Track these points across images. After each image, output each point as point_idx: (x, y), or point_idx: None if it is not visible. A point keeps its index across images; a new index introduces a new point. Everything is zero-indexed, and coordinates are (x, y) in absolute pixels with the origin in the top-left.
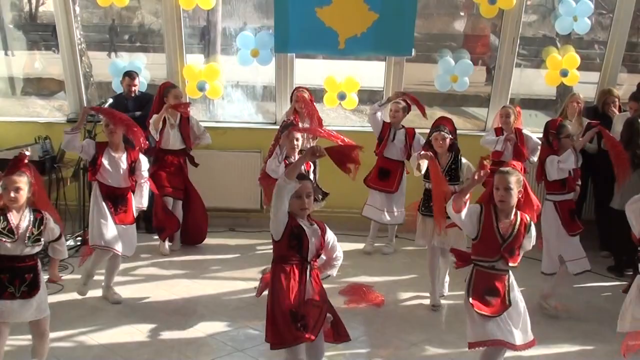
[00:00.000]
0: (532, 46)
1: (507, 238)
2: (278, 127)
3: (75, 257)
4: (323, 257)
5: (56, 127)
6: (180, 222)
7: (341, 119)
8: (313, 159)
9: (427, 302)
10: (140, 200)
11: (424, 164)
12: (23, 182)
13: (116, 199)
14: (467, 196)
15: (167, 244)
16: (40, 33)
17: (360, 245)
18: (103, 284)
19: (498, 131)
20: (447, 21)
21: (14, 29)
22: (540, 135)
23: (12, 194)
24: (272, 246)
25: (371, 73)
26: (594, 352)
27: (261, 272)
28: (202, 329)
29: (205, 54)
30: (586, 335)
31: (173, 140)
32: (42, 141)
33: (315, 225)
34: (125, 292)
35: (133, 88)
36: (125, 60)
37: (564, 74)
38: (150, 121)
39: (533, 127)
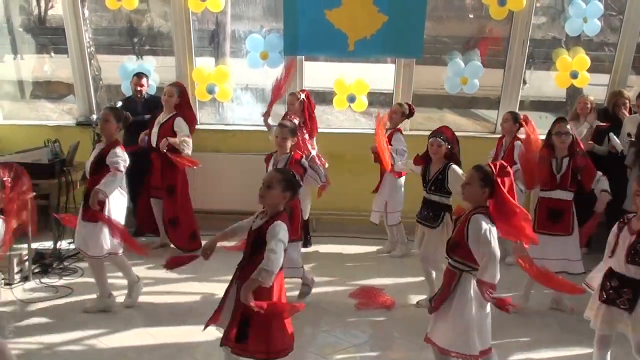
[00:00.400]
0: (541, 48)
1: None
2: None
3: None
4: None
5: (65, 130)
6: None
7: (350, 121)
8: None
9: None
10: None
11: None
12: None
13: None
14: None
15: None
16: (49, 36)
17: (370, 248)
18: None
19: (499, 140)
20: (457, 23)
21: (23, 32)
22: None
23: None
24: None
25: (381, 75)
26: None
27: None
28: (212, 332)
29: (215, 56)
30: None
31: (154, 138)
32: (52, 144)
33: (262, 221)
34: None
35: (139, 88)
36: (134, 62)
37: (574, 75)
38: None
39: (543, 130)
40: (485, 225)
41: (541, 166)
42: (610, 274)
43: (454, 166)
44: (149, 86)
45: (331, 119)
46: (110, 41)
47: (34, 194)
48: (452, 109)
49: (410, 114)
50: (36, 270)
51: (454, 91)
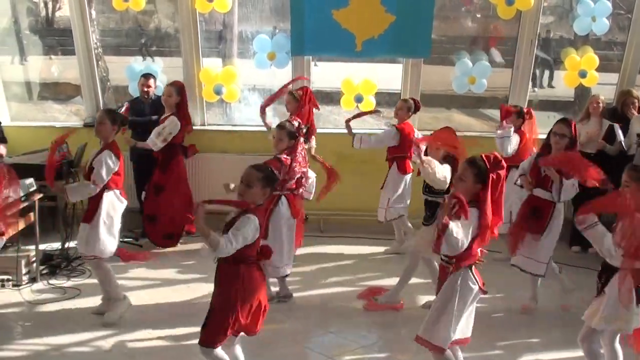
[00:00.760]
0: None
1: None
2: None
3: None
4: None
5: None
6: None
7: (358, 121)
8: None
9: None
10: None
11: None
12: None
13: None
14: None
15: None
16: (57, 38)
17: (378, 249)
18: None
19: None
20: (464, 23)
21: (31, 34)
22: None
23: None
24: None
25: (388, 75)
26: None
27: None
28: None
29: (222, 57)
30: None
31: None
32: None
33: (235, 214)
34: (143, 296)
35: (146, 89)
36: (141, 64)
37: (583, 75)
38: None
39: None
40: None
41: (535, 163)
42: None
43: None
44: (156, 87)
45: (339, 119)
46: (117, 42)
47: (41, 195)
48: (460, 109)
49: (417, 108)
50: (44, 272)
51: (462, 91)
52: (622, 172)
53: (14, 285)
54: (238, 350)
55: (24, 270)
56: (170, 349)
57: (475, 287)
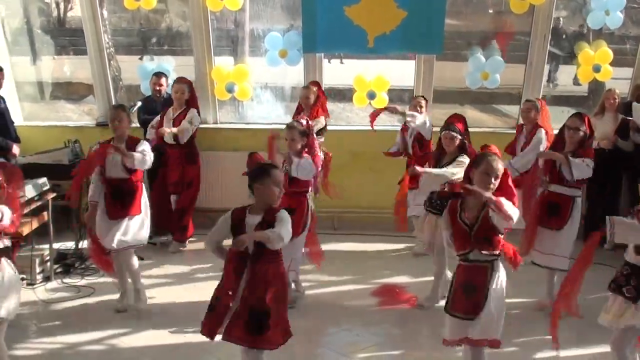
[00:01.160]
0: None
1: (473, 226)
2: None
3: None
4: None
5: (85, 131)
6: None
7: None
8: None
9: None
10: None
11: None
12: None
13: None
14: None
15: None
16: (68, 38)
17: (392, 246)
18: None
19: (518, 128)
20: (477, 18)
21: (43, 34)
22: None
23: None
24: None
25: (401, 71)
26: None
27: None
28: None
29: (234, 55)
30: None
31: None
32: (72, 145)
33: (261, 215)
34: (155, 294)
35: (158, 87)
36: (153, 63)
37: (597, 69)
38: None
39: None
40: None
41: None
42: (624, 263)
43: (464, 158)
44: (168, 85)
45: (351, 117)
46: (129, 41)
47: (55, 194)
48: (473, 105)
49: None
50: (58, 271)
51: (475, 86)
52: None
53: (28, 284)
54: None
55: (38, 269)
56: (183, 347)
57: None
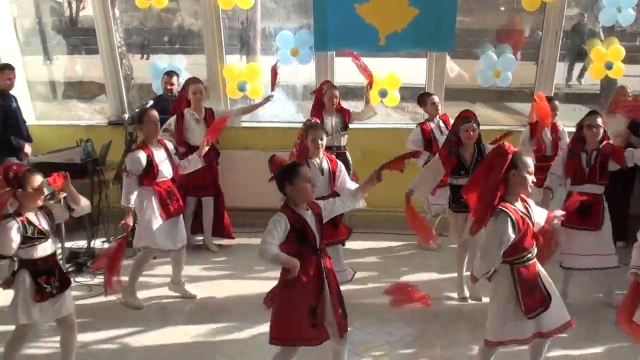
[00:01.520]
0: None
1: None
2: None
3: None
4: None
5: (97, 130)
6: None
7: (382, 116)
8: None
9: (472, 301)
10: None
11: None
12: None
13: (171, 192)
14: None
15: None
16: (81, 37)
17: (404, 244)
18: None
19: (534, 126)
20: (489, 16)
21: (55, 33)
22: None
23: (44, 191)
24: None
25: (413, 69)
26: None
27: None
28: (246, 329)
29: (246, 54)
30: None
31: (199, 137)
32: (84, 144)
33: (309, 210)
34: (166, 293)
35: (170, 87)
36: (165, 61)
37: (609, 66)
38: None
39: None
40: None
41: (571, 159)
42: None
43: (488, 145)
44: (180, 84)
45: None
46: (142, 41)
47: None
48: (485, 103)
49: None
50: (70, 269)
51: (487, 84)
52: None
53: None
54: None
55: None
56: (194, 345)
57: None
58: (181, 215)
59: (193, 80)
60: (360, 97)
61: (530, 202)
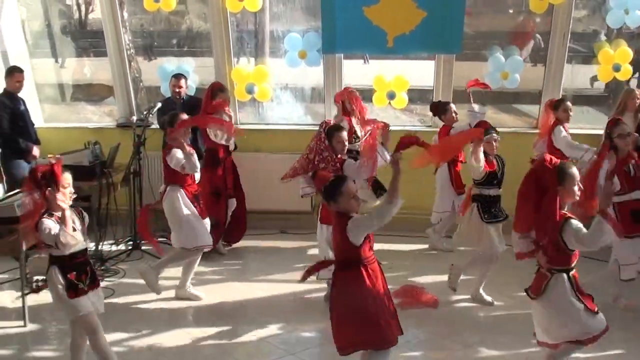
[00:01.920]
0: (582, 41)
1: None
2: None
3: (127, 261)
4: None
5: (106, 132)
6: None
7: (391, 118)
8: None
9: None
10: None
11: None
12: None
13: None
14: None
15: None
16: (89, 40)
17: (412, 246)
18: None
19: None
20: (496, 18)
21: (64, 36)
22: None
23: (72, 190)
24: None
25: (421, 71)
26: None
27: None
28: (254, 332)
29: (254, 56)
30: None
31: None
32: (92, 146)
33: None
34: (173, 295)
35: (178, 89)
36: (173, 64)
37: (617, 68)
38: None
39: (584, 124)
40: None
41: (619, 169)
42: None
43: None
44: (188, 87)
45: (371, 117)
46: (149, 43)
47: (75, 195)
48: (493, 105)
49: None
50: None
51: (495, 86)
52: None
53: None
54: None
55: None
56: (202, 348)
57: None
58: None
59: (222, 88)
60: (366, 99)
61: None
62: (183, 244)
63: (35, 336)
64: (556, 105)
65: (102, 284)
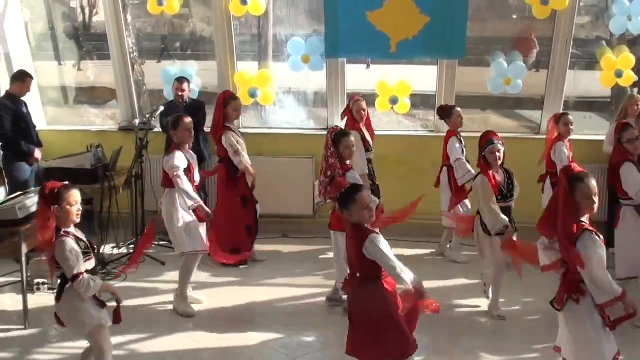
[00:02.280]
0: (585, 48)
1: None
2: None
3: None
4: None
5: (108, 135)
6: None
7: (393, 123)
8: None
9: (482, 308)
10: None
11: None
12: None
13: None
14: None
15: None
16: (93, 43)
17: (414, 251)
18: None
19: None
20: (499, 24)
21: (67, 39)
22: (595, 137)
23: (80, 207)
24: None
25: (423, 77)
26: None
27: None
28: (255, 336)
29: (257, 60)
30: None
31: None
32: (95, 149)
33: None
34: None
35: (181, 93)
36: (177, 67)
37: (619, 74)
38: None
39: (587, 130)
40: None
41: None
42: None
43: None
44: (191, 91)
45: (374, 122)
46: (154, 46)
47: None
48: (496, 110)
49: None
50: None
51: (498, 92)
52: None
53: (49, 289)
54: None
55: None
56: (203, 352)
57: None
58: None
59: (233, 96)
60: (371, 103)
61: None
62: (180, 249)
63: (35, 339)
64: (558, 119)
65: None
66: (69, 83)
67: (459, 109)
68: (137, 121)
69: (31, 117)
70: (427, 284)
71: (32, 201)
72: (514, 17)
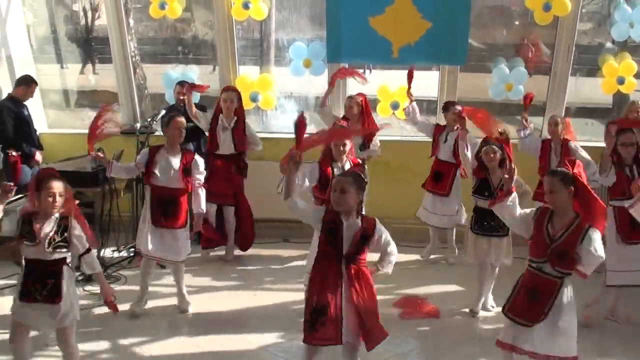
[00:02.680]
0: (587, 54)
1: (555, 240)
2: None
3: (128, 268)
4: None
5: (109, 139)
6: (233, 230)
7: (395, 128)
8: (295, 166)
9: (482, 313)
10: (197, 206)
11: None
12: (62, 188)
13: (167, 201)
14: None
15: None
16: (96, 46)
17: (414, 257)
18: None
19: (546, 142)
20: (501, 30)
21: (69, 42)
22: (596, 144)
23: (57, 199)
24: None
25: (425, 82)
26: None
27: None
28: (254, 340)
29: (259, 65)
30: None
31: (223, 144)
32: (95, 153)
33: (357, 220)
34: (174, 303)
35: (182, 97)
36: (178, 71)
37: (621, 81)
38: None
39: (589, 137)
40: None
41: (619, 174)
42: None
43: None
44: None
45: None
46: (156, 50)
47: (78, 201)
48: (497, 116)
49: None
50: (80, 278)
51: (499, 98)
52: None
53: None
54: None
55: None
56: (203, 356)
57: None
58: (185, 230)
59: (226, 88)
60: (372, 108)
61: None
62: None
63: (35, 341)
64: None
65: None
66: (70, 86)
67: (459, 108)
68: (138, 125)
69: (32, 120)
70: (426, 290)
71: None
72: (516, 23)
